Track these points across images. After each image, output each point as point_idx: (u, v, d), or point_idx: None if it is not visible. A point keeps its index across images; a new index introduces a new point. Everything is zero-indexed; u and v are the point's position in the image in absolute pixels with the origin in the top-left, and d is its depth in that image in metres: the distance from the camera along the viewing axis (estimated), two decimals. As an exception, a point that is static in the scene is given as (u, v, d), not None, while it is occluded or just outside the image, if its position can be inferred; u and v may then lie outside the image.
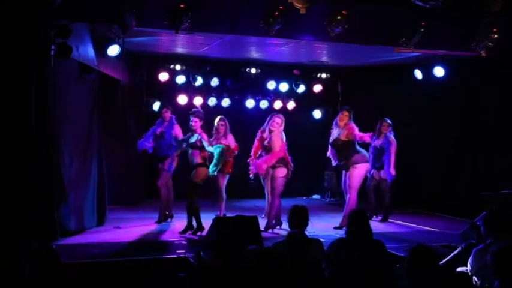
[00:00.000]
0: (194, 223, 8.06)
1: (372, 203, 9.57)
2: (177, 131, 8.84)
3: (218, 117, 9.01)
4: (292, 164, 8.63)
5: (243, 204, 10.06)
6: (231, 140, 8.91)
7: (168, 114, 9.03)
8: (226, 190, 9.00)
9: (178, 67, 11.12)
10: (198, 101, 11.44)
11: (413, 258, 3.76)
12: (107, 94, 9.35)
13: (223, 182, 8.93)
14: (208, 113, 10.28)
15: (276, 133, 8.48)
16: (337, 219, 8.79)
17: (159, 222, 8.88)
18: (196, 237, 7.84)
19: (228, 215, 8.46)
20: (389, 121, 9.46)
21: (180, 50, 10.28)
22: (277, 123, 8.52)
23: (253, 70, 11.55)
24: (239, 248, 4.73)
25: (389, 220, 9.39)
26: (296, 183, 9.18)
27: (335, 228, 8.50)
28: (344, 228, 8.42)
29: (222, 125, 8.86)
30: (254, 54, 10.55)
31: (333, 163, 9.19)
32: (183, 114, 8.98)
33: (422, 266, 3.71)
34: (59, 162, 7.36)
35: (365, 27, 7.62)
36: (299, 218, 5.04)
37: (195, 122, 8.14)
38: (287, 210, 5.22)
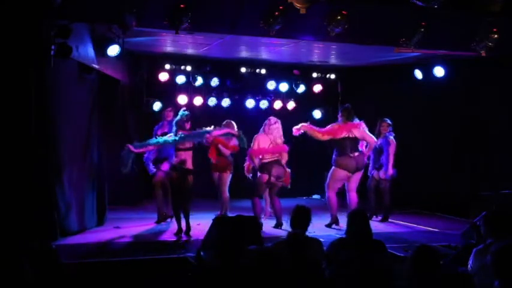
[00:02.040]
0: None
1: (372, 203, 9.57)
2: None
3: None
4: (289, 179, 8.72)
5: (243, 204, 10.03)
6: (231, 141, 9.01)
7: (171, 114, 9.06)
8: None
9: (178, 67, 11.12)
10: (198, 101, 11.45)
11: (416, 259, 3.76)
12: (107, 94, 9.34)
13: (223, 183, 8.99)
14: (208, 113, 10.33)
15: (258, 135, 8.55)
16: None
17: (158, 222, 8.88)
18: (187, 238, 7.82)
19: (228, 215, 8.46)
20: (388, 121, 9.46)
21: (180, 50, 10.27)
22: (263, 126, 8.61)
23: (253, 70, 11.56)
24: (239, 248, 4.73)
25: (389, 220, 9.38)
26: (296, 183, 9.15)
27: (326, 225, 8.59)
28: (333, 226, 8.55)
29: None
30: (254, 54, 10.55)
31: None
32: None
33: (425, 267, 3.71)
34: (59, 162, 7.36)
35: (365, 27, 7.63)
36: (301, 219, 5.02)
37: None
38: (288, 210, 5.22)
